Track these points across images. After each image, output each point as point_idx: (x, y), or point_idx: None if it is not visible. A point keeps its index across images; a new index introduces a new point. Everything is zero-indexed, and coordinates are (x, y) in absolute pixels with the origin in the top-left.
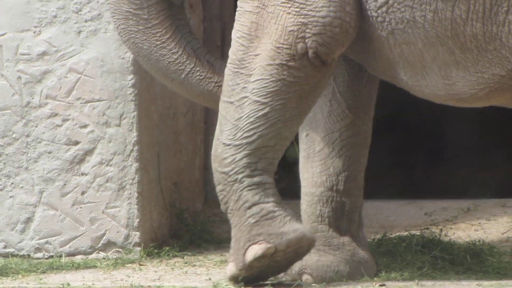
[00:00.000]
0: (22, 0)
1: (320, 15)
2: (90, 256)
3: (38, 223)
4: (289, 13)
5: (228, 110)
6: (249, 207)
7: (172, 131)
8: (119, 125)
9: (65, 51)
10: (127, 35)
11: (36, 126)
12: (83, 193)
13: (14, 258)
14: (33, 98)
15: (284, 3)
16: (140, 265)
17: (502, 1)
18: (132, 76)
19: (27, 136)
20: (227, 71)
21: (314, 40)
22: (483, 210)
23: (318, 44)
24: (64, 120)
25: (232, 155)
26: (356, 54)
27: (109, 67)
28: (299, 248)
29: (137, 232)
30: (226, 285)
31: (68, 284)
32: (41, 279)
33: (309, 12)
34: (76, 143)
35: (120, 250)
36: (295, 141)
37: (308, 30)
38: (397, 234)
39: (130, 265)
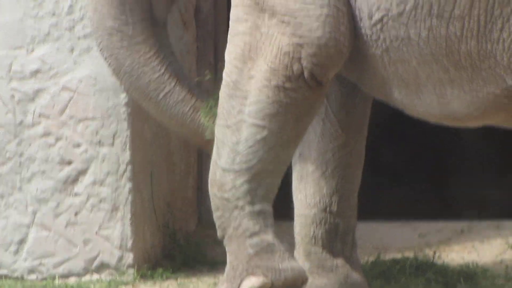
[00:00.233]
0: (15, 17)
1: (315, 35)
2: (84, 278)
3: (32, 244)
4: (283, 34)
5: (225, 133)
6: (250, 236)
7: (165, 150)
8: (112, 145)
9: (58, 69)
10: (110, 51)
11: (30, 145)
12: (76, 213)
13: (8, 280)
14: (26, 117)
15: (278, 23)
16: (134, 287)
17: (496, 18)
18: (125, 94)
19: (21, 155)
20: (222, 93)
21: (310, 61)
22: (477, 232)
23: (314, 64)
24: (58, 139)
25: (232, 180)
26: (349, 72)
27: (102, 85)
28: (294, 286)
29: (130, 253)
30: None
31: None
32: None
33: (304, 33)
34: (70, 162)
35: (114, 271)
36: None
37: (303, 51)
38: (391, 256)
39: (123, 287)
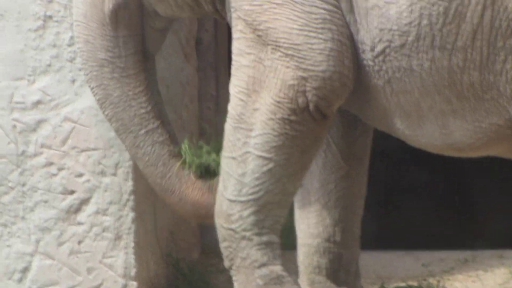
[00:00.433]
0: (16, 49)
1: (319, 69)
2: None
3: (35, 272)
4: (288, 67)
5: (231, 165)
6: (258, 267)
7: None
8: (114, 174)
9: (60, 100)
10: (99, 81)
11: (32, 175)
12: (79, 242)
13: None
14: (28, 147)
15: (282, 57)
16: None
17: (499, 50)
18: None
19: (23, 185)
20: (227, 126)
21: (315, 94)
22: (481, 261)
23: (319, 98)
24: (60, 169)
25: (239, 211)
26: (351, 104)
27: (103, 116)
28: None
29: (134, 282)
30: None
31: None
32: None
33: (309, 67)
34: (72, 192)
35: None
36: None
37: (308, 84)
38: (395, 285)
39: None
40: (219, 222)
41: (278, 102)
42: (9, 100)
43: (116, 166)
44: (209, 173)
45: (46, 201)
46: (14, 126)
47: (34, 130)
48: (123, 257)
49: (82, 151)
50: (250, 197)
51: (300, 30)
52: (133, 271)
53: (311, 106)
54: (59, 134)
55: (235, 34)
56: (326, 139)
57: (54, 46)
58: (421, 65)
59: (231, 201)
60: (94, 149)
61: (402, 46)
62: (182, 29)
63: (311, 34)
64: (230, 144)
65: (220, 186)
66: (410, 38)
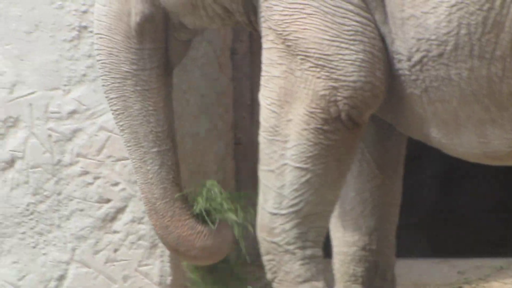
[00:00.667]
0: (51, 59)
1: (351, 80)
2: None
3: (71, 280)
4: (318, 78)
5: (269, 178)
6: (301, 283)
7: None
8: None
9: (95, 109)
10: (120, 93)
11: (68, 184)
12: (115, 250)
13: None
14: (64, 156)
15: (313, 67)
16: None
17: None
18: None
19: (59, 194)
20: (261, 139)
21: (346, 103)
22: None
23: (350, 107)
24: (95, 178)
25: (281, 224)
26: (385, 113)
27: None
28: None
29: None
30: None
31: None
32: None
33: (340, 77)
34: (108, 201)
35: None
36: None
37: (339, 94)
38: None
39: None
40: (262, 235)
41: (311, 112)
42: (45, 110)
43: None
44: (208, 217)
45: (82, 210)
46: (50, 136)
47: (70, 139)
48: (158, 265)
49: (118, 160)
50: (291, 209)
51: (331, 40)
52: (168, 279)
53: (343, 115)
54: (94, 143)
55: (265, 45)
56: (361, 148)
57: (89, 56)
58: (459, 74)
59: (272, 214)
60: (129, 159)
61: (440, 55)
62: (217, 39)
63: (343, 45)
64: (267, 157)
65: (261, 200)
66: (449, 48)
